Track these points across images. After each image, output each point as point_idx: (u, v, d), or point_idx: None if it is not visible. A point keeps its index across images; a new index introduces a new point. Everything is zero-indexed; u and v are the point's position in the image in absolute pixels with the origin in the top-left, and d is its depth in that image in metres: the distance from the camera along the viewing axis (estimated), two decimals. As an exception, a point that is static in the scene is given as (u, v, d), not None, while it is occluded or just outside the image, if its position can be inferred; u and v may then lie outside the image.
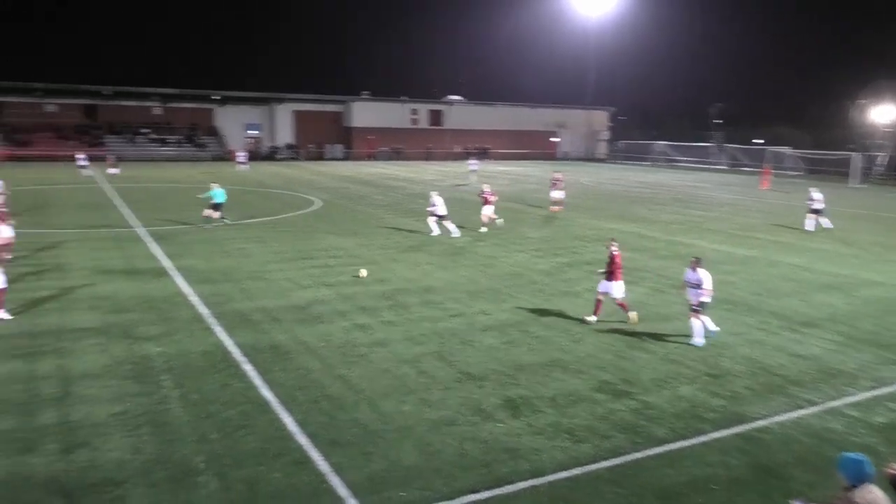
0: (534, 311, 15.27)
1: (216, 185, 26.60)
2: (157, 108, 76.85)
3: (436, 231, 24.91)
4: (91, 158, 52.18)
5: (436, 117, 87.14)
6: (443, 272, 19.08)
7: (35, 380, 10.64)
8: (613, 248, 14.03)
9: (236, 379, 10.90)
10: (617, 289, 14.00)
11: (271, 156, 77.65)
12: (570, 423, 9.65)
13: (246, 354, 11.99)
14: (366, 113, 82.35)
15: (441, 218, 25.03)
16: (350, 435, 9.14)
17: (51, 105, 72.03)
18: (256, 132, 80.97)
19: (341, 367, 11.60)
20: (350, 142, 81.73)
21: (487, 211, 26.55)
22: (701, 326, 12.97)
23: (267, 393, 10.39)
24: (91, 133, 71.87)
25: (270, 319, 14.09)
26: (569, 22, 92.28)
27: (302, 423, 9.41)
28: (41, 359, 11.52)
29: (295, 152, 79.09)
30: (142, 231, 24.52)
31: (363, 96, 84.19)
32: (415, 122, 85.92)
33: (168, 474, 8.04)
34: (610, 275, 13.98)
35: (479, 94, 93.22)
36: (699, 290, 12.78)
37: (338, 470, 8.23)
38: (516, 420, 9.72)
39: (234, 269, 18.55)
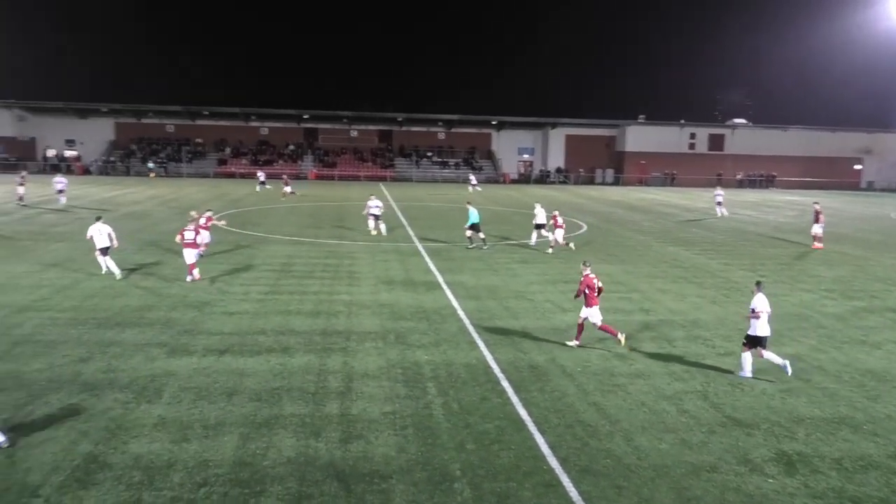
0: (819, 358, 13.65)
1: (470, 205, 26.75)
2: (441, 133, 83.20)
3: (534, 241, 27.46)
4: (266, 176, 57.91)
5: (716, 142, 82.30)
6: (714, 306, 17.90)
7: (325, 373, 12.10)
8: (586, 271, 13.93)
9: (495, 394, 11.31)
10: (592, 314, 13.75)
11: (542, 179, 79.57)
12: (857, 492, 8.44)
13: (505, 371, 12.39)
14: (640, 137, 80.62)
15: (538, 227, 27.37)
16: (602, 465, 8.97)
17: (354, 131, 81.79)
18: (528, 156, 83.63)
19: (597, 394, 11.44)
20: (621, 166, 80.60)
21: (558, 235, 26.17)
22: (749, 360, 12.41)
23: (522, 411, 10.62)
24: (384, 156, 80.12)
25: (531, 339, 14.40)
26: (883, 32, 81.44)
27: (554, 446, 9.45)
28: (331, 355, 13.07)
29: (565, 176, 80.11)
30: (420, 246, 26.64)
31: (639, 120, 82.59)
32: (692, 146, 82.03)
33: (427, 476, 8.60)
34: (585, 300, 13.75)
35: (768, 116, 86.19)
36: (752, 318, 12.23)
37: (587, 499, 8.12)
38: (790, 478, 8.75)
39: (499, 288, 19.30)
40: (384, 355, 13.13)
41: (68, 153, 75.28)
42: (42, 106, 74.87)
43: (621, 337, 13.92)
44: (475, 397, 11.14)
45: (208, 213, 24.13)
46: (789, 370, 12.29)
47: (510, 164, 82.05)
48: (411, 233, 30.60)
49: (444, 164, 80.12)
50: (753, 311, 12.17)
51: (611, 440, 9.73)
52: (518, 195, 56.84)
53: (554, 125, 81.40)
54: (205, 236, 22.40)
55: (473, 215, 26.06)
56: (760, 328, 12.15)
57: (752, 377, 12.35)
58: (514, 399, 11.11)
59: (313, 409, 10.53)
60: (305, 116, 79.42)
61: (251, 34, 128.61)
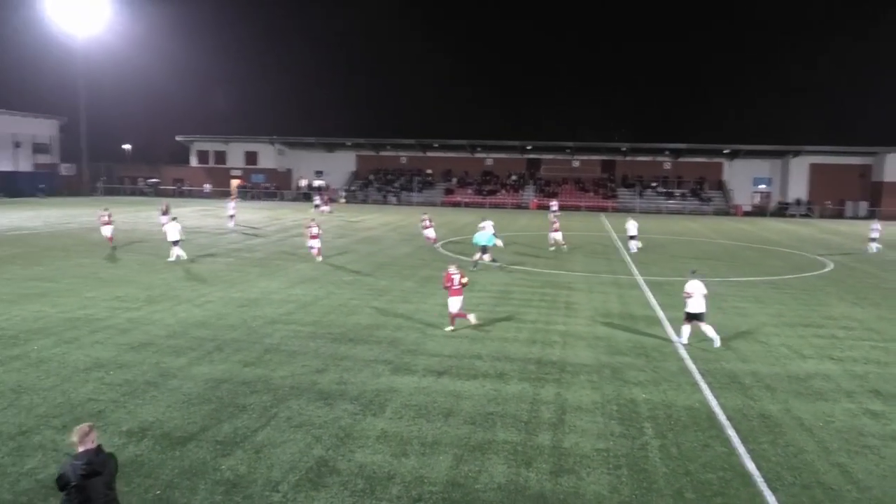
0: None
1: (484, 226, 28.98)
2: (667, 163, 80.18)
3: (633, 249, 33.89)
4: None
5: None
6: None
7: (538, 403, 12.09)
8: (449, 269, 16.96)
9: (718, 442, 10.52)
10: (452, 303, 16.87)
11: (780, 212, 73.26)
12: None
13: (731, 418, 11.48)
14: (903, 165, 71.09)
15: (632, 238, 33.98)
16: (846, 537, 7.92)
17: (576, 161, 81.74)
18: (764, 186, 77.49)
19: (842, 454, 10.16)
20: (878, 199, 71.58)
21: (556, 236, 33.62)
22: (686, 331, 16.10)
23: (750, 464, 9.75)
24: (606, 186, 79.01)
25: (762, 386, 13.21)
26: None
27: (787, 508, 8.54)
28: (544, 385, 13.04)
29: (808, 209, 72.97)
30: (640, 279, 25.76)
31: (902, 146, 72.99)
32: (973, 174, 70.52)
33: (641, 521, 8.20)
34: (450, 292, 16.80)
35: None
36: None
37: (826, 573, 7.21)
38: None
39: (727, 327, 17.99)
40: (599, 390, 12.82)
41: (317, 183, 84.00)
42: (297, 141, 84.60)
43: (471, 317, 17.22)
44: (696, 443, 10.44)
45: (426, 216, 34.45)
46: (717, 343, 15.78)
47: (743, 195, 76.62)
48: (631, 265, 29.72)
49: (670, 195, 76.99)
50: (687, 293, 15.83)
51: (858, 509, 8.57)
52: (751, 229, 52.81)
53: (796, 153, 74.73)
54: (430, 233, 34.45)
55: (483, 237, 27.54)
56: (692, 306, 15.82)
57: (686, 344, 15.91)
58: (741, 450, 10.23)
59: (525, 437, 10.56)
60: (529, 147, 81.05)
61: (480, 72, 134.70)
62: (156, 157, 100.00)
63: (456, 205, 76.11)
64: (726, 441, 10.57)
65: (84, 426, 6.44)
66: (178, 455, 9.71)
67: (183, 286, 22.19)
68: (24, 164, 77.30)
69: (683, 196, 76.84)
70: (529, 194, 78.45)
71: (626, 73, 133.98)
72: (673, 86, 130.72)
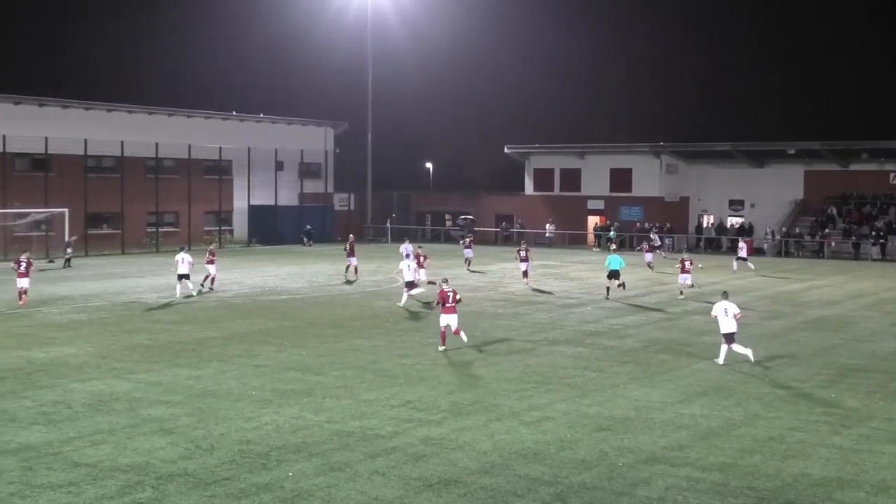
0: None
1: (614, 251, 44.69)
2: None
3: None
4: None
5: None
6: None
7: None
8: (443, 286, 30.20)
9: None
10: (447, 319, 29.34)
11: None
12: None
13: None
14: None
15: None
16: None
17: None
18: None
19: None
20: None
21: (683, 279, 45.81)
22: (725, 351, 27.32)
23: None
24: None
25: None
26: None
27: None
28: None
29: None
30: None
31: None
32: None
33: None
34: (443, 308, 29.84)
35: None
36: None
37: None
38: None
39: None
40: None
41: (733, 220, 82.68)
42: (700, 149, 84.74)
43: (462, 335, 29.22)
44: None
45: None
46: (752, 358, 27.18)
47: None
48: None
49: None
50: (713, 316, 28.24)
51: None
52: None
53: None
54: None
55: (614, 261, 43.92)
56: (724, 327, 27.43)
57: (723, 364, 26.80)
58: None
59: None
60: None
61: None
62: (471, 180, 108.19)
63: None
64: None
65: None
66: None
67: (505, 389, 23.40)
68: (287, 195, 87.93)
69: None
70: None
71: None
72: None
